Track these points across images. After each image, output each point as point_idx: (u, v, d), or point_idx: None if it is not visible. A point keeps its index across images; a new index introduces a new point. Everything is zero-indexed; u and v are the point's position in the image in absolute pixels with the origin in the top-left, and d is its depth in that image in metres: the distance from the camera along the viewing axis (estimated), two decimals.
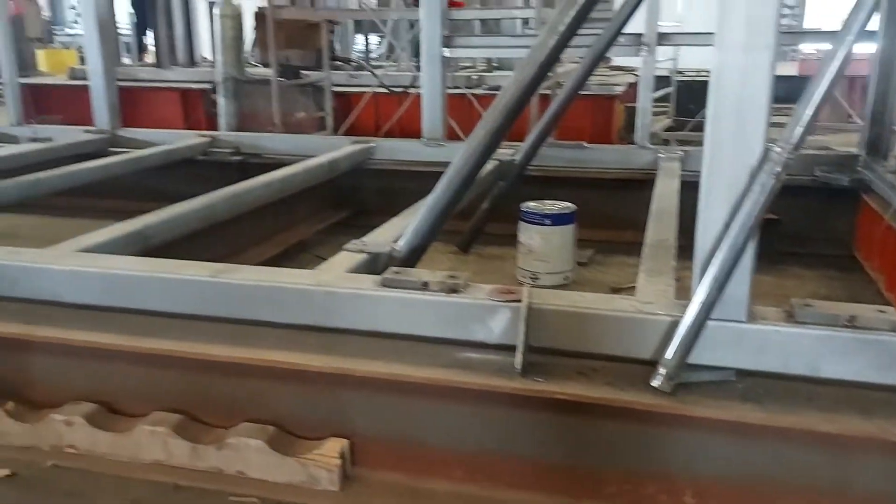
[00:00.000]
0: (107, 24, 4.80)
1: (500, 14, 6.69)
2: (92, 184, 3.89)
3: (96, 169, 3.88)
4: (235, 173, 4.53)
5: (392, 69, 7.02)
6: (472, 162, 2.30)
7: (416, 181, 4.27)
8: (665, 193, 3.11)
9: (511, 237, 3.56)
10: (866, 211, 3.41)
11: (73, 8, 19.95)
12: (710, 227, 1.54)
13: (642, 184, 3.87)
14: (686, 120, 7.40)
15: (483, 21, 7.09)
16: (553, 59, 2.24)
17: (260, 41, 5.77)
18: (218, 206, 3.12)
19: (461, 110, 6.08)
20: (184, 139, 4.64)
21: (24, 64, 7.87)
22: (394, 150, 4.57)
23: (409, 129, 5.85)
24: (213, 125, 6.59)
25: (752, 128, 1.46)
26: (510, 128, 2.32)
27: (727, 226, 1.50)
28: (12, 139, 4.76)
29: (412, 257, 2.24)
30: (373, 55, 9.51)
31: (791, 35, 10.94)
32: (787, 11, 16.77)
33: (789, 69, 8.85)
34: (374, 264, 2.20)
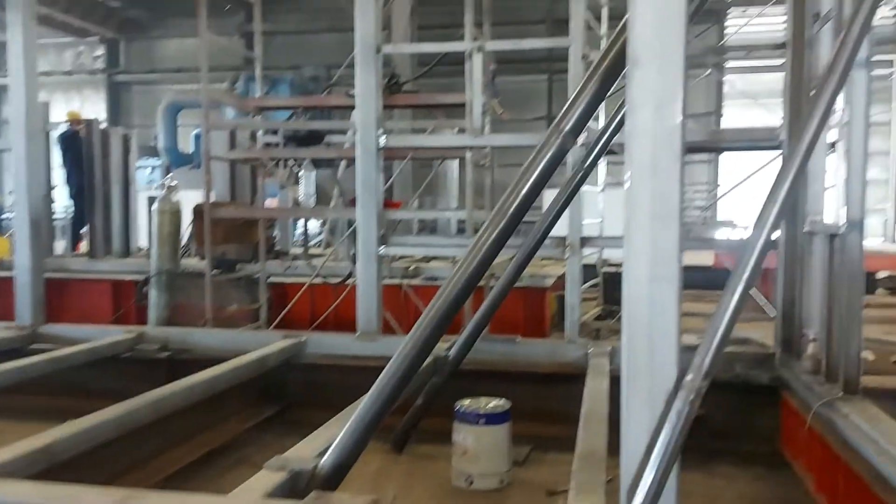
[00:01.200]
0: (40, 221, 4.82)
1: (435, 214, 7.03)
2: (9, 385, 3.70)
3: (13, 371, 3.71)
4: (163, 370, 4.41)
5: (330, 259, 7.17)
6: (407, 366, 2.31)
7: (348, 376, 4.26)
8: (594, 394, 3.15)
9: (446, 434, 3.49)
10: (788, 410, 3.51)
11: (12, 193, 20.00)
12: (632, 452, 1.55)
13: (573, 378, 3.93)
14: (615, 308, 7.66)
15: None
16: (488, 260, 2.33)
17: (197, 236, 5.86)
18: (137, 412, 2.99)
19: (397, 301, 6.18)
20: (109, 335, 4.53)
21: None
22: (326, 345, 4.56)
23: (346, 319, 5.87)
24: (143, 317, 6.47)
25: (664, 356, 1.52)
26: (447, 328, 2.36)
27: (649, 451, 1.51)
28: None
29: (337, 475, 2.15)
30: (312, 242, 9.74)
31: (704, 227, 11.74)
32: (700, 203, 18.16)
33: (706, 259, 9.42)
34: (295, 483, 2.10)
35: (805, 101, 3.74)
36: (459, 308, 2.42)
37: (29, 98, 4.63)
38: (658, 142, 1.55)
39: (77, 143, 7.78)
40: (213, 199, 5.48)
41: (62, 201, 8.95)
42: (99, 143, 7.66)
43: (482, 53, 4.25)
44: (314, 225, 10.37)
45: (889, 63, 16.95)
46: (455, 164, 8.75)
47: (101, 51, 21.92)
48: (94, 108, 20.95)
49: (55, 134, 7.78)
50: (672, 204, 1.55)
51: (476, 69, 4.24)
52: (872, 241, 16.81)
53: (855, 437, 2.49)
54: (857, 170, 2.92)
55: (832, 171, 3.39)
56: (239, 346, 4.39)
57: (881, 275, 11.00)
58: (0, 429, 4.04)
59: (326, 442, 2.57)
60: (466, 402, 3.49)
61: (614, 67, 2.11)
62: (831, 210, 3.33)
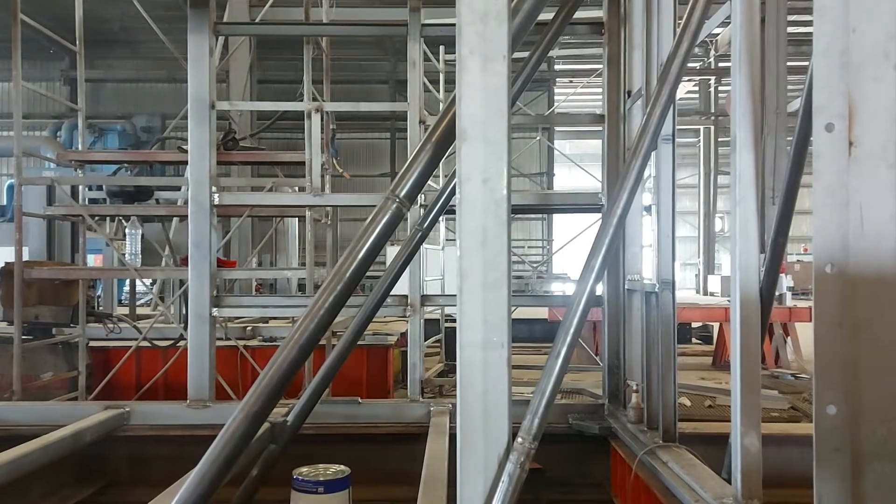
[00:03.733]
0: None
1: (272, 274, 6.84)
2: None
3: None
4: None
5: (159, 320, 6.75)
6: (239, 435, 2.19)
7: (178, 447, 3.98)
8: (434, 455, 3.16)
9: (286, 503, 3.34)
10: (617, 458, 3.70)
11: None
12: None
13: (416, 437, 3.92)
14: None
15: None
16: (326, 324, 2.29)
17: (4, 298, 5.30)
18: None
19: (233, 364, 5.91)
20: None
21: None
22: (152, 415, 4.24)
23: (177, 385, 5.52)
24: None
25: (497, 420, 1.55)
26: (283, 392, 2.27)
27: None
28: None
29: None
30: (140, 302, 9.14)
31: (540, 280, 12.29)
32: (535, 258, 19.09)
33: (541, 313, 9.88)
34: None
35: (621, 167, 4.08)
36: (296, 372, 2.34)
37: None
38: (486, 212, 1.61)
39: None
40: (26, 256, 5.00)
41: None
42: None
43: (321, 113, 4.26)
44: (141, 284, 9.78)
45: (697, 132, 18.96)
46: (295, 220, 8.64)
47: None
48: None
49: None
50: (501, 271, 1.61)
51: (315, 128, 4.24)
52: (686, 293, 18.46)
53: (674, 484, 2.66)
54: (666, 233, 3.19)
55: (648, 231, 3.69)
56: (52, 420, 3.98)
57: (695, 325, 12.07)
58: None
59: None
60: (304, 469, 3.36)
61: (447, 135, 2.18)
62: (649, 267, 3.61)
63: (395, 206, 2.18)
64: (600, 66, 4.29)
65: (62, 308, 5.43)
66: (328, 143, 4.48)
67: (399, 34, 4.50)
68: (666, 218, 3.21)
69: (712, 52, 17.17)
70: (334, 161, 5.22)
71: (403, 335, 6.97)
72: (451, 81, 8.20)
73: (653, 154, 3.18)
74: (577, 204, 4.55)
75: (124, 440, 4.10)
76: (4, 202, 15.03)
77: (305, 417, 3.65)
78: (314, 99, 4.35)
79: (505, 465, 1.53)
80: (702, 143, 18.74)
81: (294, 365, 2.27)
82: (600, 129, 4.20)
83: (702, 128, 18.49)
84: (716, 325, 10.64)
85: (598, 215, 4.60)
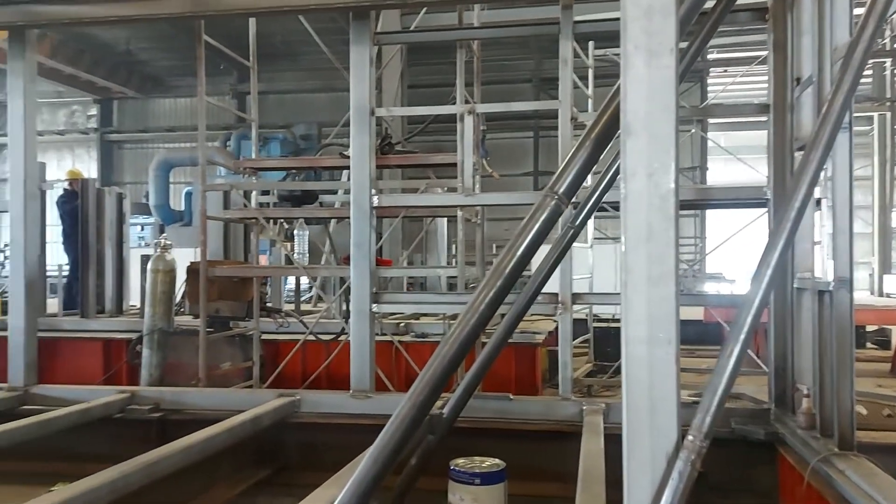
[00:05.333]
0: (34, 282, 4.81)
1: (426, 272, 7.06)
2: (2, 447, 3.66)
3: (10, 432, 3.69)
4: (155, 430, 4.37)
5: (322, 316, 7.17)
6: (405, 426, 2.31)
7: (343, 435, 4.23)
8: (590, 454, 3.15)
9: (441, 493, 3.46)
10: (785, 465, 3.51)
11: (2, 251, 19.92)
12: None
13: (568, 436, 3.92)
14: (606, 364, 7.68)
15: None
16: (485, 320, 2.36)
17: (190, 294, 5.85)
18: (131, 476, 2.96)
19: (387, 358, 6.16)
20: (100, 396, 4.49)
21: None
22: (320, 403, 4.53)
23: (338, 376, 5.84)
24: (134, 375, 6.41)
25: (665, 417, 1.54)
26: (444, 387, 2.37)
27: None
28: None
29: None
30: (303, 298, 9.74)
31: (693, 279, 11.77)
32: (688, 257, 18.32)
33: (696, 314, 9.48)
34: None
35: (789, 160, 3.86)
36: (457, 367, 2.43)
37: (27, 159, 4.68)
38: (652, 207, 1.60)
39: (76, 201, 7.84)
40: (207, 256, 5.50)
41: (54, 259, 8.92)
42: (94, 201, 7.70)
43: (473, 115, 4.36)
44: (303, 281, 10.40)
45: (869, 119, 17.41)
46: (444, 220, 8.85)
47: (94, 110, 22.19)
48: (86, 166, 21.12)
49: (51, 193, 7.83)
50: (667, 266, 1.60)
51: (467, 130, 4.34)
52: (859, 294, 16.97)
53: (853, 494, 2.50)
54: (843, 229, 2.99)
55: (818, 226, 3.47)
56: (232, 406, 4.36)
57: (870, 328, 11.10)
58: None
59: (326, 503, 2.56)
60: (461, 461, 3.46)
61: (607, 131, 2.19)
62: (819, 265, 3.39)
63: (553, 202, 2.20)
64: (758, 53, 4.08)
65: (239, 303, 5.91)
66: (479, 145, 4.58)
67: (547, 33, 4.51)
68: (842, 212, 3.01)
69: (888, 33, 15.70)
70: (484, 162, 5.31)
71: (551, 334, 6.96)
72: (601, 76, 8.07)
73: None
74: (739, 198, 4.34)
75: (295, 426, 4.41)
76: (182, 208, 16.54)
77: (460, 410, 3.75)
78: (466, 101, 4.45)
79: (674, 464, 1.52)
80: (876, 132, 17.17)
81: (456, 358, 2.36)
82: (759, 119, 3.98)
83: (876, 115, 16.93)
84: (894, 329, 9.73)
85: (761, 211, 4.37)
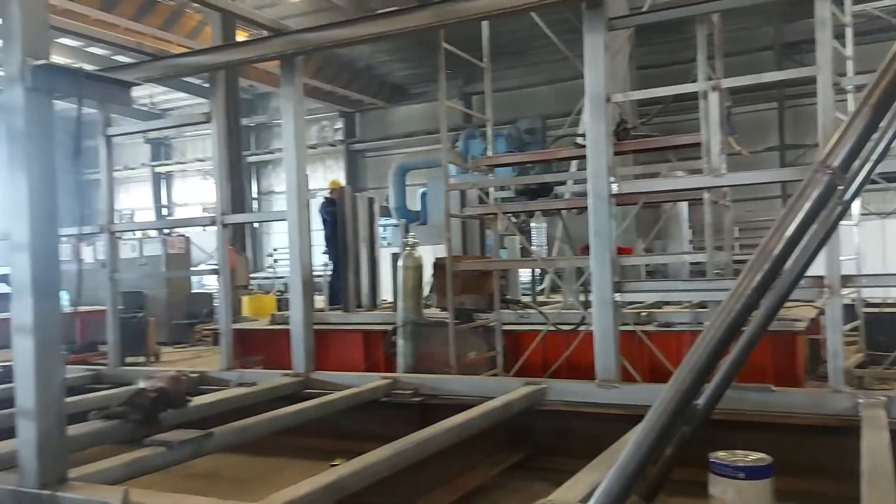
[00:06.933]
0: (310, 280, 5.43)
1: (669, 259, 6.84)
2: (288, 427, 4.21)
3: (293, 414, 4.22)
4: (415, 414, 4.72)
5: (558, 306, 7.26)
6: (668, 415, 2.28)
7: (590, 423, 4.26)
8: (875, 450, 2.87)
9: (697, 485, 3.35)
10: None
11: (271, 255, 22.68)
12: None
13: (840, 430, 3.61)
14: (880, 354, 6.88)
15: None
16: (750, 306, 2.26)
17: (438, 288, 6.25)
18: (405, 452, 3.25)
19: (630, 348, 6.06)
20: (368, 382, 4.95)
21: (233, 310, 8.95)
22: (566, 392, 4.59)
23: (577, 367, 5.88)
24: (390, 364, 6.99)
25: None
26: (707, 377, 2.31)
27: None
28: (223, 383, 5.31)
29: None
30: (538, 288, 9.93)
31: None
32: None
33: None
34: None
35: None
36: (720, 357, 2.35)
37: (299, 171, 5.29)
38: None
39: (335, 207, 8.77)
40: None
41: (316, 260, 10.01)
42: (350, 207, 8.53)
43: (718, 91, 4.14)
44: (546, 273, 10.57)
45: None
46: (684, 205, 8.48)
47: (339, 124, 24.46)
48: (334, 175, 23.27)
49: (314, 202, 8.80)
50: None
51: (712, 108, 4.14)
52: None
53: None
54: None
55: None
56: (483, 392, 4.58)
57: None
58: (282, 465, 4.59)
59: (587, 488, 2.62)
60: (722, 454, 3.32)
61: (887, 97, 1.99)
62: None
63: (826, 178, 2.05)
64: None
65: (481, 296, 6.19)
66: (725, 122, 4.34)
67: None
68: None
69: None
70: (731, 139, 5.02)
71: (813, 321, 6.39)
72: (861, 34, 7.18)
73: None
74: None
75: (543, 413, 4.51)
76: (419, 208, 17.59)
77: (716, 402, 3.60)
78: (708, 78, 4.24)
79: None
80: None
81: (721, 344, 2.28)
82: None
83: None
84: None
85: None
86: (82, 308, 8.42)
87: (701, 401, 3.64)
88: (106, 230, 6.01)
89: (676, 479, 3.68)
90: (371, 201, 8.93)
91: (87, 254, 12.92)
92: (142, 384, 3.96)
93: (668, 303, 7.17)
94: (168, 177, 27.82)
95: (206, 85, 16.49)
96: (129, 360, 7.66)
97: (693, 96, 4.63)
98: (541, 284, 10.14)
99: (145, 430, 3.73)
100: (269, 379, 5.20)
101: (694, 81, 4.68)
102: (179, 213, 26.82)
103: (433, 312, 7.18)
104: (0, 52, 2.79)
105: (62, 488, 2.66)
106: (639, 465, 2.29)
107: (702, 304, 6.41)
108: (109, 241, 6.04)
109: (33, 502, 2.64)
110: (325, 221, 9.15)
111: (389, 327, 7.12)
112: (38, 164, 2.77)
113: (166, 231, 13.77)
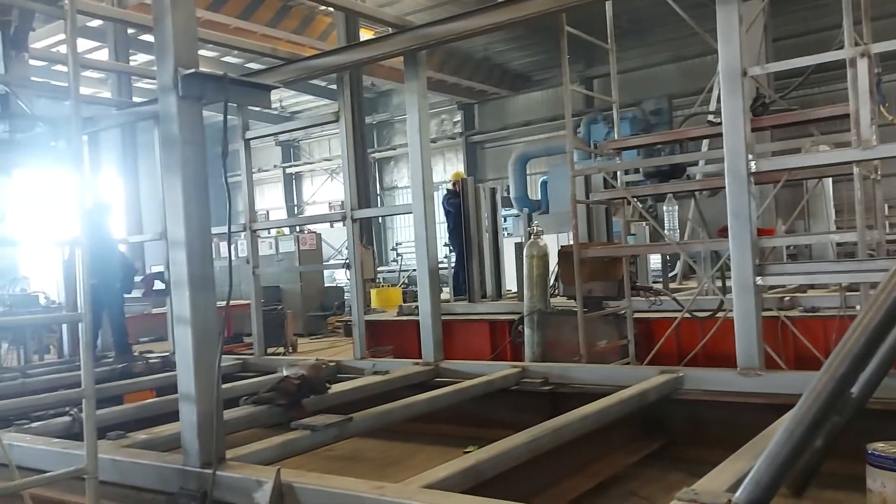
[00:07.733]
0: (436, 271, 5.53)
1: (815, 239, 6.40)
2: (421, 413, 4.31)
3: (427, 401, 4.33)
4: (545, 403, 4.71)
5: (692, 292, 6.98)
6: (821, 404, 2.15)
7: (731, 412, 4.08)
8: None
9: (851, 479, 3.16)
10: None
11: (394, 249, 23.28)
12: None
13: None
14: None
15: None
16: None
17: (564, 276, 6.18)
18: (541, 439, 3.25)
19: (773, 334, 5.75)
20: (498, 370, 4.98)
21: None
22: (704, 380, 4.42)
23: (715, 355, 5.64)
24: (516, 353, 7.00)
25: None
26: (865, 366, 2.16)
27: None
28: (357, 371, 5.52)
29: None
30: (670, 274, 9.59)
31: None
32: None
33: None
34: None
35: None
36: (880, 343, 2.18)
37: (424, 164, 5.39)
38: None
39: (458, 199, 8.89)
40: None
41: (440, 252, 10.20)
42: (472, 198, 8.60)
43: (867, 57, 3.83)
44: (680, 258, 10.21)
45: None
46: (828, 181, 7.91)
47: (458, 116, 24.66)
48: (454, 168, 23.52)
49: (437, 194, 8.96)
50: None
51: (861, 76, 3.83)
52: None
53: None
54: None
55: None
56: (615, 381, 4.50)
57: None
58: (416, 450, 4.72)
59: (734, 477, 2.52)
60: (881, 445, 3.09)
61: None
62: None
63: None
64: None
65: (610, 283, 6.07)
66: (874, 90, 4.01)
67: None
68: None
69: None
70: (882, 108, 4.63)
71: None
72: None
73: None
74: None
75: (679, 402, 4.38)
76: (539, 197, 17.45)
77: (873, 390, 3.34)
78: (855, 44, 3.93)
79: None
80: None
81: (880, 328, 2.12)
82: None
83: None
84: None
85: None
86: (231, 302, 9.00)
87: (855, 389, 3.41)
88: (248, 228, 6.38)
89: (828, 472, 3.47)
90: (493, 192, 8.97)
91: (224, 252, 13.79)
92: (285, 372, 4.19)
93: (812, 286, 6.73)
94: (298, 177, 29.14)
95: (332, 86, 17.21)
96: (269, 350, 8.11)
97: (833, 66, 4.31)
98: (672, 271, 9.80)
99: (291, 414, 3.95)
100: (401, 367, 5.35)
101: (837, 49, 4.34)
102: (308, 212, 28.05)
103: (559, 301, 7.12)
104: (155, 65, 3.02)
105: (221, 467, 2.85)
106: (789, 455, 2.19)
107: (850, 287, 5.98)
108: (251, 239, 6.41)
109: (197, 480, 2.84)
110: (448, 213, 9.28)
111: (515, 317, 7.13)
112: (191, 167, 2.97)
113: (298, 228, 14.44)
